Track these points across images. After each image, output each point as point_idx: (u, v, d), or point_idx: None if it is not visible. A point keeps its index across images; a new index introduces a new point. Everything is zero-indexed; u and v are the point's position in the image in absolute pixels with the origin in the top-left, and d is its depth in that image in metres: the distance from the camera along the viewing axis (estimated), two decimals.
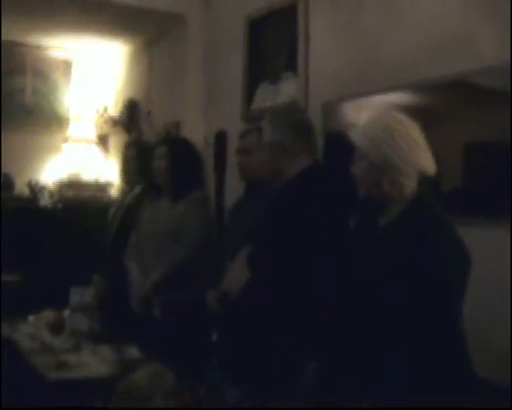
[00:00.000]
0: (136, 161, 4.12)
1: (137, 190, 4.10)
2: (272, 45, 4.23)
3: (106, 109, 6.07)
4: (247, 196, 3.28)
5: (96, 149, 6.12)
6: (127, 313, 3.57)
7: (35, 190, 5.72)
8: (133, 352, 2.95)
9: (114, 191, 5.74)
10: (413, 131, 2.06)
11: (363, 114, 2.87)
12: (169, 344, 3.15)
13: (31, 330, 3.41)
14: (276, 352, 2.46)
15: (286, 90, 4.00)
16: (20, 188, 5.74)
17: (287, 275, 2.49)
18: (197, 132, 4.49)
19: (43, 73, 6.14)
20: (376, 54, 3.44)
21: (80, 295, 3.74)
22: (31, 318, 3.68)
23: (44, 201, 5.76)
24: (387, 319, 2.00)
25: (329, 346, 2.31)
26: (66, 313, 3.69)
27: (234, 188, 3.78)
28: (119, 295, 3.71)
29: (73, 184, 5.83)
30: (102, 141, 6.16)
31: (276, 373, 2.42)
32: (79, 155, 6.04)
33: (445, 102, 3.16)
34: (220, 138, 4.57)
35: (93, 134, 6.09)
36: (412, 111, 2.46)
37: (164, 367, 2.44)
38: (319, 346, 2.37)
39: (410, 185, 2.07)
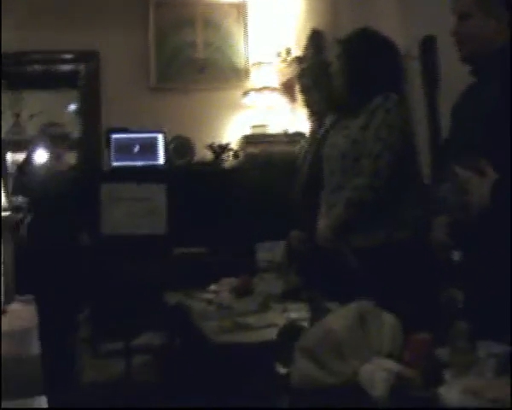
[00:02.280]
0: (313, 91, 3.56)
1: (328, 121, 3.48)
2: None
3: (289, 51, 5.44)
4: (479, 79, 2.43)
5: (282, 98, 5.51)
6: (325, 268, 2.92)
7: (218, 151, 5.26)
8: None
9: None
10: None
11: None
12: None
13: (210, 296, 2.91)
14: None
15: None
16: (202, 151, 5.31)
17: None
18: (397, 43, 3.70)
19: (214, 23, 5.65)
20: None
21: (269, 252, 3.23)
22: (213, 286, 3.22)
23: (229, 162, 5.30)
24: None
25: None
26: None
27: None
28: (314, 248, 3.07)
29: (259, 140, 5.28)
30: (288, 87, 5.53)
31: None
32: (263, 106, 5.48)
33: None
34: (427, 46, 3.74)
35: (276, 81, 5.49)
36: None
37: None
38: None
39: None
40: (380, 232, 2.67)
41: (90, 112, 5.57)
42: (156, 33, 5.55)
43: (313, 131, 3.72)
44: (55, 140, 4.75)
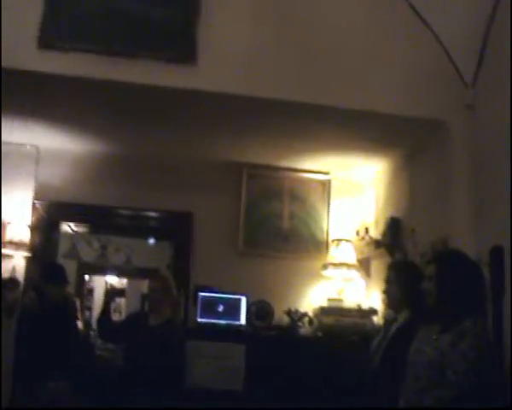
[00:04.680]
0: (400, 284, 4.03)
1: (403, 316, 3.99)
2: None
3: (367, 231, 6.07)
4: None
5: (358, 274, 6.10)
6: None
7: (294, 317, 5.80)
8: None
9: (378, 319, 5.62)
10: None
11: None
12: None
13: None
14: None
15: None
16: (280, 316, 5.87)
17: None
18: (468, 249, 4.23)
19: (300, 197, 6.37)
20: None
21: None
22: None
23: (304, 329, 5.82)
24: None
25: None
26: None
27: None
28: None
29: (334, 311, 5.82)
30: (364, 265, 6.14)
31: None
32: (340, 280, 6.07)
33: None
34: (496, 255, 4.26)
35: (354, 258, 6.10)
36: None
37: None
38: None
39: None
40: None
41: (180, 267, 6.23)
42: (247, 202, 6.29)
43: (386, 324, 4.21)
44: None
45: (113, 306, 6.62)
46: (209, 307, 5.74)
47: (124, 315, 9.15)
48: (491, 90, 4.67)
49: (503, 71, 4.52)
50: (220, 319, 5.73)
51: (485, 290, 3.47)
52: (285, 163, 6.21)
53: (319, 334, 5.74)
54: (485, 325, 3.34)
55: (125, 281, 11.28)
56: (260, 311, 5.81)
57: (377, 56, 4.80)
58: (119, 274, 10.62)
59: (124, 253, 9.94)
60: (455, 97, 4.85)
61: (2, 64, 4.27)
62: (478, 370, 3.12)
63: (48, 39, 4.37)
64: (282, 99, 4.71)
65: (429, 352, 3.30)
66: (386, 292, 4.16)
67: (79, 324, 6.32)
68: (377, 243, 5.79)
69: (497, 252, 4.24)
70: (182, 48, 4.54)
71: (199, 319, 5.71)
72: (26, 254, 5.77)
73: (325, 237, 6.30)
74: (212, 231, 6.22)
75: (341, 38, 4.77)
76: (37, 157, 5.86)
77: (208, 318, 5.72)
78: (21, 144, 5.79)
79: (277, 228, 6.29)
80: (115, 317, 6.04)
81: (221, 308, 5.75)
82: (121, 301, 11.00)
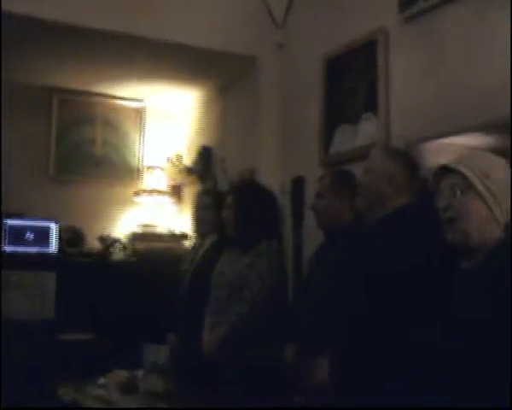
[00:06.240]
0: (209, 210, 4.28)
1: (209, 240, 4.25)
2: (350, 85, 4.29)
3: (179, 158, 6.27)
4: (328, 243, 3.34)
5: (169, 200, 6.31)
6: (201, 374, 3.66)
7: (107, 243, 5.92)
8: None
9: (189, 242, 5.88)
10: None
11: (444, 156, 2.90)
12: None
13: (100, 392, 3.55)
14: None
15: (366, 132, 4.04)
16: (92, 242, 5.96)
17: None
18: (273, 179, 4.59)
19: (113, 123, 6.41)
20: (459, 94, 3.44)
21: (154, 354, 3.86)
22: (101, 379, 3.81)
23: (117, 254, 5.96)
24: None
25: None
26: (140, 372, 3.82)
27: (313, 236, 3.84)
28: (193, 355, 3.81)
29: (147, 237, 6.01)
30: (176, 191, 6.36)
31: None
32: (152, 206, 6.25)
33: None
34: (297, 184, 4.64)
35: (166, 185, 6.29)
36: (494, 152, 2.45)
37: None
38: None
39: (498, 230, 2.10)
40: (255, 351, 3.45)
41: None
42: (58, 128, 6.23)
43: (195, 248, 4.46)
44: None
45: None
46: (17, 235, 5.65)
47: None
48: (299, 30, 4.97)
49: (311, 11, 4.84)
50: (29, 246, 5.69)
51: (278, 216, 3.84)
52: (98, 89, 6.20)
53: (132, 259, 5.92)
54: (279, 247, 3.70)
55: None
56: (71, 237, 5.83)
57: None
58: None
59: None
60: (266, 35, 5.10)
61: None
62: (271, 287, 3.51)
63: None
64: (94, 27, 4.67)
65: (230, 274, 3.62)
66: (198, 217, 4.38)
67: None
68: (189, 171, 6.03)
69: (297, 182, 4.64)
70: None
71: (7, 248, 5.63)
72: None
73: (138, 163, 6.44)
74: (21, 156, 6.09)
75: None
76: None
77: (17, 246, 5.65)
78: None
79: (90, 154, 6.31)
80: None
81: (30, 236, 5.71)
82: None
